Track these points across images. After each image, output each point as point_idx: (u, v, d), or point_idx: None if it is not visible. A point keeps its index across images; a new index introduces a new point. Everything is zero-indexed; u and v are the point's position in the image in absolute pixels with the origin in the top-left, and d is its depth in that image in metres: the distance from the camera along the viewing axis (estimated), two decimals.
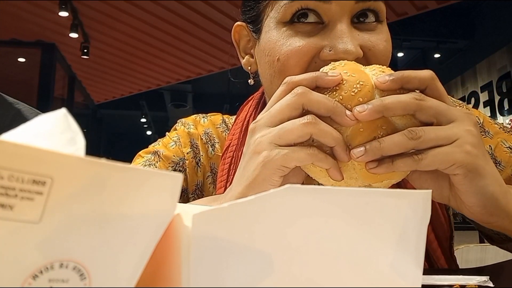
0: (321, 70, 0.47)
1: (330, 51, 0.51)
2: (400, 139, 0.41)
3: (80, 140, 0.18)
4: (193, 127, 0.72)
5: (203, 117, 0.75)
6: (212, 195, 0.67)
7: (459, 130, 0.42)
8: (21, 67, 5.48)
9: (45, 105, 4.78)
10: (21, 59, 5.43)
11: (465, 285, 0.41)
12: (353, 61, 0.47)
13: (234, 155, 0.64)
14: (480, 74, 5.40)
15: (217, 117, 0.76)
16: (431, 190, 0.25)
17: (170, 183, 0.18)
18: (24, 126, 0.19)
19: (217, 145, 0.71)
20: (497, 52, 5.05)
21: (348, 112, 0.42)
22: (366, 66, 0.47)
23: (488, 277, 0.41)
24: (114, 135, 10.08)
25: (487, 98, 5.27)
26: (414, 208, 0.24)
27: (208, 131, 0.72)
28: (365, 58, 0.53)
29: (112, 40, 4.95)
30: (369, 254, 0.23)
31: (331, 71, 0.45)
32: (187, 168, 0.68)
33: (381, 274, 0.23)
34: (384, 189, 0.26)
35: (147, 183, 0.17)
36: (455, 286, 0.40)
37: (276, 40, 0.54)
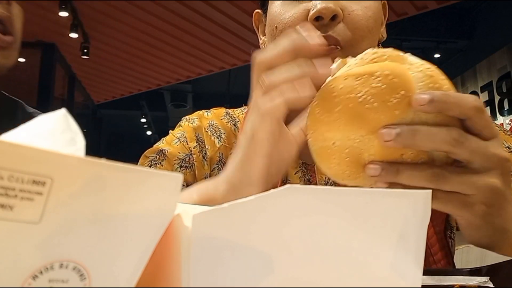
0: (360, 56, 0.42)
1: (313, 10, 0.56)
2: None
3: (80, 140, 0.18)
4: (198, 121, 0.73)
5: (206, 111, 0.77)
6: None
7: (483, 183, 0.39)
8: (21, 67, 5.47)
9: (45, 105, 4.77)
10: (21, 59, 5.42)
11: (465, 286, 0.41)
12: (396, 53, 0.42)
13: None
14: (480, 74, 5.40)
15: (220, 110, 0.77)
16: (431, 191, 0.25)
17: (170, 183, 0.18)
18: (24, 126, 0.19)
19: (223, 136, 0.71)
20: (497, 52, 5.04)
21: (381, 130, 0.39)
22: (412, 62, 0.41)
23: (488, 277, 0.41)
24: (114, 135, 10.08)
25: (487, 98, 5.26)
26: (414, 208, 0.24)
27: (212, 123, 0.73)
28: (345, 22, 0.57)
29: (112, 40, 4.95)
30: (369, 254, 0.23)
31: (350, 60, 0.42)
32: (194, 163, 0.68)
33: (381, 274, 0.23)
34: (384, 189, 0.26)
35: (147, 183, 0.17)
36: (455, 287, 0.40)
37: (273, 11, 0.61)
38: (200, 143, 0.70)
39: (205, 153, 0.69)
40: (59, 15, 4.24)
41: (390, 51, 0.41)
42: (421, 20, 4.74)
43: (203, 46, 4.98)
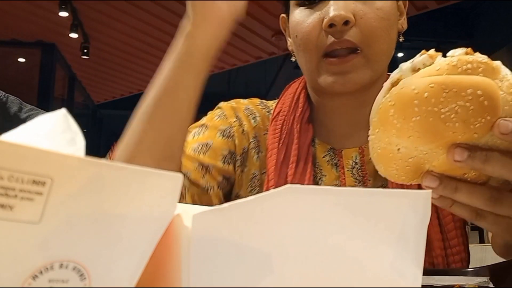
0: (452, 59, 0.39)
1: (326, 18, 0.61)
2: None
3: (80, 140, 0.18)
4: (235, 104, 0.79)
5: (242, 99, 0.82)
6: (253, 160, 0.72)
7: None
8: (21, 67, 5.47)
9: (45, 105, 4.77)
10: (21, 59, 5.43)
11: (465, 286, 0.41)
12: (491, 66, 0.38)
13: (286, 119, 0.73)
14: None
15: (255, 99, 0.83)
16: (431, 190, 0.25)
17: (170, 183, 0.18)
18: (24, 126, 0.19)
19: (258, 118, 0.76)
20: (497, 52, 5.03)
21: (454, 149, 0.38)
22: (503, 77, 0.38)
23: (488, 277, 0.41)
24: (114, 135, 10.04)
25: None
26: (414, 208, 0.24)
27: (248, 107, 0.78)
28: (358, 26, 0.61)
29: (112, 40, 4.95)
30: (369, 254, 0.23)
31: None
32: (235, 134, 0.73)
33: (381, 274, 0.23)
34: (384, 189, 0.26)
35: (146, 183, 0.17)
36: (455, 287, 0.40)
37: (293, 20, 0.67)
38: (239, 119, 0.75)
39: (243, 129, 0.74)
40: (59, 15, 4.24)
41: (485, 63, 0.38)
42: (421, 20, 4.73)
43: None
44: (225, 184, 0.70)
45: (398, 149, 0.40)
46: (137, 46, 5.00)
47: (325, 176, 0.69)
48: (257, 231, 0.20)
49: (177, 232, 0.19)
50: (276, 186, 0.66)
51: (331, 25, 0.61)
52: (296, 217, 0.21)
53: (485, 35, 5.42)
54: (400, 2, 0.70)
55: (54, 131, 0.18)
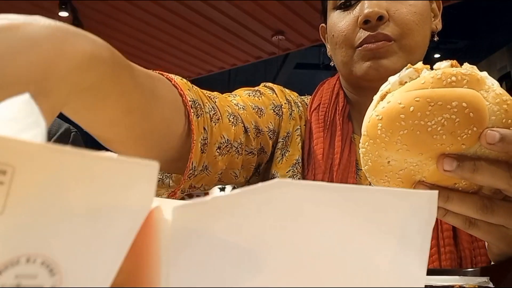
0: (437, 72, 0.39)
1: (361, 16, 0.65)
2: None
3: (41, 124, 0.17)
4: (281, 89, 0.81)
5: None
6: (298, 146, 0.74)
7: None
8: None
9: None
10: None
11: (465, 286, 0.40)
12: (476, 78, 0.39)
13: (327, 111, 0.76)
14: None
15: (293, 91, 0.85)
16: (437, 191, 0.24)
17: (146, 173, 0.16)
18: None
19: (301, 108, 0.78)
20: (497, 52, 5.04)
21: (442, 160, 0.38)
22: (489, 88, 0.39)
23: (488, 277, 0.41)
24: None
25: None
26: (418, 208, 0.23)
27: (291, 96, 0.80)
28: (392, 20, 0.65)
29: (111, 40, 4.93)
30: (369, 253, 0.22)
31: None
32: (283, 115, 0.74)
33: (381, 274, 0.22)
34: (385, 187, 0.25)
35: (120, 172, 0.16)
36: (455, 287, 0.40)
37: (330, 23, 0.72)
38: (289, 103, 0.76)
39: (291, 113, 0.75)
40: (59, 15, 4.23)
41: (469, 75, 0.38)
42: None
43: (203, 46, 4.99)
44: (259, 152, 0.69)
45: (388, 161, 0.41)
46: (137, 46, 5.01)
47: (360, 170, 0.70)
48: (245, 226, 0.19)
49: (156, 226, 0.18)
50: (323, 174, 0.68)
51: (366, 22, 0.65)
52: (287, 213, 0.20)
53: (485, 35, 5.42)
54: (434, 5, 0.74)
55: (16, 117, 0.17)
